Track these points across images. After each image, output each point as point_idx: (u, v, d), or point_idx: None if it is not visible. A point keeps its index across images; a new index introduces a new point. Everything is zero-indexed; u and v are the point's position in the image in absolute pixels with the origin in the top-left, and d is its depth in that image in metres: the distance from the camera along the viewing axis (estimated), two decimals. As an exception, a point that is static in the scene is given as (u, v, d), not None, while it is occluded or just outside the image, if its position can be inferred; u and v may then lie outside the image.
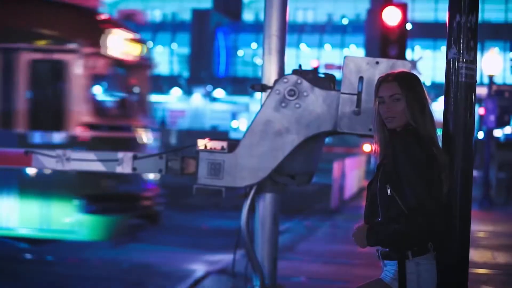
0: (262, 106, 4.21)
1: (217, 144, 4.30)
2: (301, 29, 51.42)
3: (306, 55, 48.03)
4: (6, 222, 8.95)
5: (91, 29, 9.30)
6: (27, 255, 9.77)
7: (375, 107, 3.55)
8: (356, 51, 49.05)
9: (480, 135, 23.99)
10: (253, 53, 53.61)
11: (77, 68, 8.91)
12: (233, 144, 4.26)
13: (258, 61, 50.20)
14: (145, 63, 10.26)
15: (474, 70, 3.64)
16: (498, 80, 29.20)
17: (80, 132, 8.83)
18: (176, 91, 52.39)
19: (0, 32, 9.29)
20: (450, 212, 3.58)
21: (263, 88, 4.36)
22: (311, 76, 4.20)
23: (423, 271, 3.42)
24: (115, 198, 8.92)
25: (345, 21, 54.50)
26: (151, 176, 9.35)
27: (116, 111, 9.94)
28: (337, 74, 4.38)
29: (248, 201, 4.37)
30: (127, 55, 9.60)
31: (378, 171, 3.52)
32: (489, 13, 45.73)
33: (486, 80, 20.98)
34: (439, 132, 3.56)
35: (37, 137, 8.91)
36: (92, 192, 8.75)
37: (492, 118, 18.84)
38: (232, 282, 4.78)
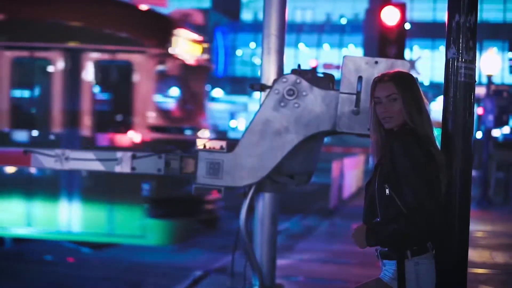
0: (261, 105, 4.21)
1: (216, 144, 4.30)
2: (300, 28, 51.42)
3: (304, 55, 48.03)
4: (69, 226, 8.89)
5: (158, 29, 9.18)
6: (26, 255, 9.76)
7: (371, 107, 3.57)
8: (354, 50, 49.04)
9: (479, 135, 24.01)
10: (252, 53, 53.60)
11: (144, 69, 8.79)
12: (232, 144, 4.26)
13: (256, 60, 50.18)
14: (204, 64, 10.16)
15: (473, 69, 3.65)
16: (496, 80, 29.23)
17: (146, 134, 8.72)
18: (174, 91, 52.36)
19: (65, 32, 9.18)
20: (449, 212, 3.59)
21: (262, 87, 4.36)
22: (310, 75, 4.20)
23: (422, 270, 3.43)
24: (180, 202, 8.78)
25: (343, 21, 54.50)
26: None
27: (180, 112, 9.81)
28: (336, 74, 4.39)
29: (247, 201, 4.37)
30: (190, 56, 9.51)
31: (376, 171, 3.53)
32: (487, 13, 45.76)
33: (484, 80, 20.99)
34: (436, 132, 3.57)
35: (101, 139, 8.83)
36: (157, 196, 8.64)
37: (490, 118, 18.86)
38: (231, 282, 4.77)
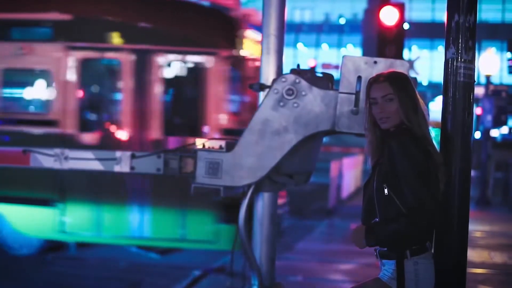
0: (260, 105, 4.21)
1: (215, 143, 4.30)
2: (299, 28, 51.41)
3: (303, 55, 48.04)
4: (139, 232, 8.80)
5: (228, 31, 9.03)
6: (26, 254, 9.73)
7: (366, 108, 3.58)
8: (353, 50, 49.06)
9: (477, 135, 24.03)
10: (251, 53, 53.49)
11: (215, 70, 8.67)
12: (232, 143, 4.26)
13: (255, 60, 50.08)
14: None
15: (473, 69, 3.66)
16: (495, 80, 29.27)
17: (217, 137, 8.62)
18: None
19: (134, 33, 9.06)
20: (448, 212, 3.59)
21: (262, 87, 4.36)
22: (309, 75, 4.20)
23: (421, 270, 3.43)
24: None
25: (342, 21, 54.49)
26: None
27: (247, 115, 9.75)
28: (335, 74, 4.39)
29: (246, 201, 4.37)
30: (256, 57, 9.42)
31: (374, 171, 3.53)
32: (486, 13, 45.78)
33: (483, 80, 21.00)
34: (434, 132, 3.57)
35: (171, 142, 8.75)
36: (228, 201, 8.55)
37: (489, 118, 18.87)
38: (231, 282, 4.77)
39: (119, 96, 9.08)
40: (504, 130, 31.44)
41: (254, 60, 9.21)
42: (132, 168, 4.74)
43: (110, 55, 9.11)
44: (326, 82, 4.20)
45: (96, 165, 4.83)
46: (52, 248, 9.72)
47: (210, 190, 4.31)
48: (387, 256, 3.48)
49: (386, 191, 3.42)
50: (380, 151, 3.53)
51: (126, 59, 8.89)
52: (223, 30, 9.11)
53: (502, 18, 49.68)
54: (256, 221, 4.50)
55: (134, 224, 8.82)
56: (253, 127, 4.17)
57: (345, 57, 3.98)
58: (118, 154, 4.78)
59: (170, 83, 9.02)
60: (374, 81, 3.56)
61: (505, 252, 11.22)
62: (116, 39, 9.05)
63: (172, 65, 8.92)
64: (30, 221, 9.17)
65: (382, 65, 3.89)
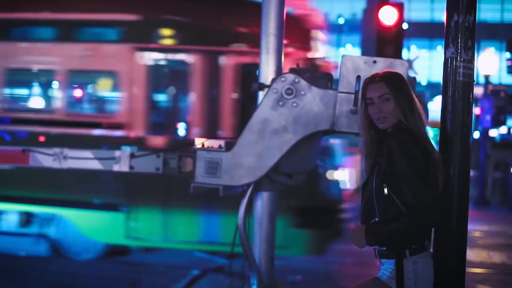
0: (259, 105, 4.21)
1: (214, 143, 4.30)
2: (297, 28, 51.33)
3: (302, 55, 47.95)
4: (206, 236, 8.66)
5: (299, 32, 8.81)
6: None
7: (362, 108, 3.58)
8: (352, 50, 49.05)
9: (476, 134, 24.06)
10: (250, 52, 53.39)
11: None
12: (231, 143, 4.26)
13: (254, 60, 49.97)
14: (328, 65, 9.95)
15: (472, 69, 3.66)
16: (494, 80, 29.26)
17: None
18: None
19: (204, 34, 8.89)
20: (447, 212, 3.59)
21: (261, 87, 4.37)
22: (308, 75, 4.21)
23: (420, 269, 3.43)
24: (319, 211, 8.50)
25: (341, 21, 54.48)
26: (349, 184, 9.03)
27: None
28: (333, 74, 4.39)
29: (245, 200, 4.37)
30: (323, 57, 9.29)
31: (372, 171, 3.53)
32: (485, 13, 45.77)
33: (482, 80, 21.00)
34: (433, 132, 3.57)
35: None
36: (301, 205, 8.31)
37: (488, 118, 18.91)
38: (229, 281, 4.77)
39: (188, 98, 8.89)
40: (503, 130, 31.45)
41: (321, 60, 9.08)
42: (131, 167, 4.74)
43: (179, 56, 8.92)
44: (325, 81, 4.20)
45: (95, 165, 4.83)
46: (113, 252, 9.64)
47: (209, 189, 4.31)
48: (386, 256, 3.48)
49: (386, 191, 3.42)
50: (376, 151, 3.53)
51: (196, 61, 8.70)
52: (292, 31, 9.00)
53: (501, 18, 49.68)
54: (256, 221, 4.50)
55: (202, 229, 8.67)
56: (252, 127, 4.17)
57: (344, 56, 3.99)
58: (117, 153, 4.78)
59: (241, 85, 8.82)
60: (370, 81, 3.56)
61: (504, 252, 11.23)
62: (185, 40, 8.84)
63: (243, 67, 8.78)
64: (95, 225, 9.02)
65: (381, 65, 3.89)
